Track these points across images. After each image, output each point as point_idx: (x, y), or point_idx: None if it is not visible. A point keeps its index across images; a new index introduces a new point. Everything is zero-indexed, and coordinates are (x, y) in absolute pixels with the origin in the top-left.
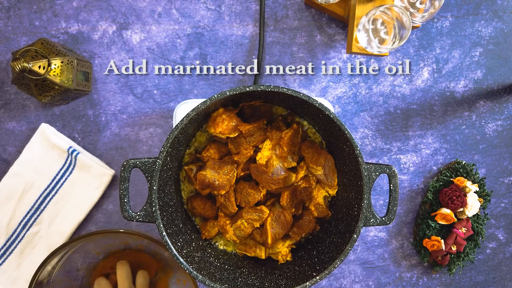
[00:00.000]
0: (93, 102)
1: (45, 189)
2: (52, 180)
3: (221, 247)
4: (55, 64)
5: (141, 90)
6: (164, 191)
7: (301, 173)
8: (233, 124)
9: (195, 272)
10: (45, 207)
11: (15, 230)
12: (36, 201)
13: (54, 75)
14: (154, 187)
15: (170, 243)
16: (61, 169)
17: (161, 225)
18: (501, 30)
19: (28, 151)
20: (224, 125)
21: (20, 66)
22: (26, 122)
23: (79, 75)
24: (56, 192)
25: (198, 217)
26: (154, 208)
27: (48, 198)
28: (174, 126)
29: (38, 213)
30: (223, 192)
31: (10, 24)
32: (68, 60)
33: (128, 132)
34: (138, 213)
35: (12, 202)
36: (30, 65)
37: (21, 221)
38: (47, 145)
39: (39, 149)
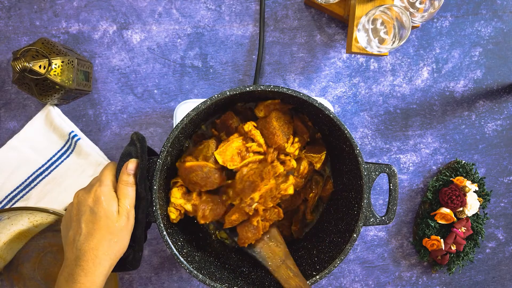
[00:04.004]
0: (94, 102)
1: (39, 168)
2: (48, 161)
3: (211, 230)
4: (55, 64)
5: (142, 90)
6: (165, 190)
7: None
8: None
9: (195, 272)
10: (35, 185)
11: (0, 202)
12: (28, 177)
13: (54, 74)
14: (155, 187)
15: (170, 243)
16: (58, 151)
17: (162, 225)
18: (501, 30)
19: (29, 128)
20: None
21: (20, 66)
22: (27, 121)
23: (80, 75)
24: (49, 173)
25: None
26: (154, 208)
27: (40, 177)
28: (174, 126)
29: (27, 189)
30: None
31: (10, 23)
32: (68, 60)
33: (129, 132)
34: None
35: (4, 175)
36: (30, 65)
37: (9, 194)
38: (49, 125)
39: (40, 128)
